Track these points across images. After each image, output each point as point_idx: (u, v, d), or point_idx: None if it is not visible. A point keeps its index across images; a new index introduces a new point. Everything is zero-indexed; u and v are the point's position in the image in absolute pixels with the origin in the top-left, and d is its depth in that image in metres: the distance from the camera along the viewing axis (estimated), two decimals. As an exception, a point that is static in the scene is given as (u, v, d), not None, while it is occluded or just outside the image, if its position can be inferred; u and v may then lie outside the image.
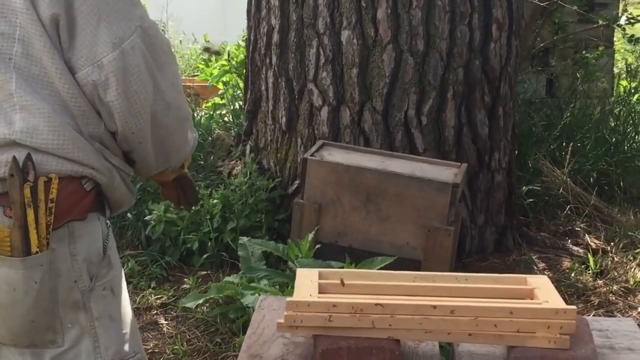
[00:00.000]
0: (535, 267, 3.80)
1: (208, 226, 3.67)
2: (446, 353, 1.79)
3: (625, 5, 6.60)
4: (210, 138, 4.62)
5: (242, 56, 5.37)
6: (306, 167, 3.26)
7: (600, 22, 5.59)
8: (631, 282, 3.64)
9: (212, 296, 3.12)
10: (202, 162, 4.29)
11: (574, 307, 1.32)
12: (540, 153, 4.72)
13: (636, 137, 5.42)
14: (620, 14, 6.07)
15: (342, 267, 2.85)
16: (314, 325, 1.31)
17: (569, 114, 5.24)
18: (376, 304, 1.30)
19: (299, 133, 3.83)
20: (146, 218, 3.75)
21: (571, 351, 1.29)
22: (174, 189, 1.86)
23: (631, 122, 5.52)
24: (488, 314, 1.30)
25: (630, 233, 4.09)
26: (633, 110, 5.72)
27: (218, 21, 8.43)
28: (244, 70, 4.49)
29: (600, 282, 3.65)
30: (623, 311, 3.40)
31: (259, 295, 2.56)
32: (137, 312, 3.24)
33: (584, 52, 6.06)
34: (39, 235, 1.43)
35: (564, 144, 4.82)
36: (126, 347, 1.60)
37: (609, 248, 4.00)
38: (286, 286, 2.94)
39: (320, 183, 3.25)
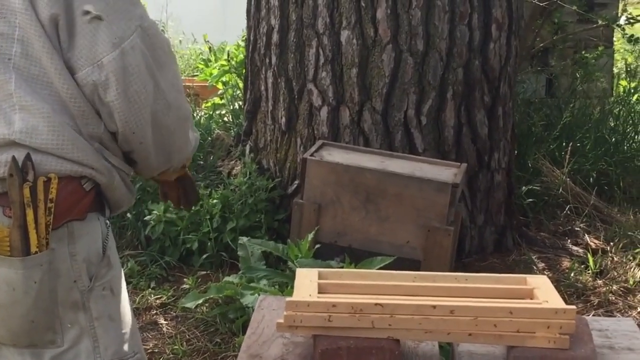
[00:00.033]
0: (534, 267, 3.80)
1: (208, 226, 3.66)
2: (446, 353, 1.79)
3: (625, 5, 6.60)
4: (209, 138, 4.62)
5: (241, 56, 5.37)
6: (306, 167, 3.26)
7: (600, 22, 5.59)
8: (631, 282, 3.64)
9: (211, 296, 3.12)
10: (201, 162, 4.29)
11: (573, 307, 1.32)
12: (539, 153, 4.72)
13: (636, 137, 5.42)
14: (619, 14, 6.08)
15: (342, 267, 2.85)
16: (314, 325, 1.30)
17: (568, 114, 5.24)
18: (376, 304, 1.30)
19: (299, 133, 3.83)
20: (146, 218, 3.75)
21: (571, 351, 1.29)
22: (175, 189, 1.86)
23: (631, 122, 5.52)
24: (488, 314, 1.30)
25: (629, 233, 4.09)
26: (633, 110, 5.73)
27: (218, 21, 8.43)
28: (244, 70, 4.49)
29: (599, 282, 3.65)
30: (623, 311, 3.40)
31: (259, 295, 2.56)
32: (136, 312, 3.24)
33: (583, 52, 6.06)
34: (39, 235, 1.43)
35: (564, 144, 4.82)
36: (126, 347, 1.60)
37: (608, 248, 4.00)
38: (286, 286, 2.94)
39: (320, 183, 3.25)
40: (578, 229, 4.27)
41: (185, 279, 3.56)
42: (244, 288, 3.02)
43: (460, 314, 1.30)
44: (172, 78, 1.56)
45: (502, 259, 3.89)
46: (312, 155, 3.31)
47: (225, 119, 5.20)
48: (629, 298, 3.52)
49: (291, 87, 3.82)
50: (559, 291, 1.83)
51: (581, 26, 5.93)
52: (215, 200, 3.74)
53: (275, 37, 3.84)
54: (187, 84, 5.83)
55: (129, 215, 3.81)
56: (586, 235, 4.18)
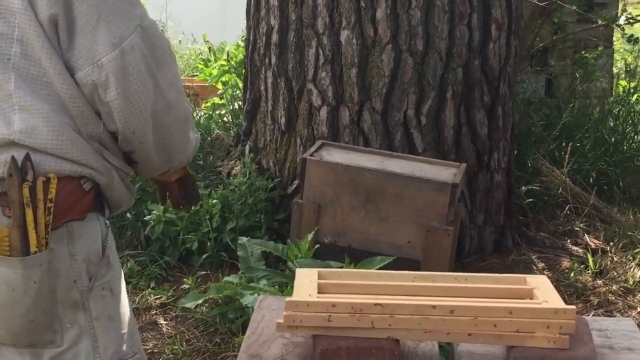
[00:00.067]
0: (534, 267, 3.80)
1: (207, 226, 3.66)
2: (445, 353, 1.79)
3: (625, 5, 6.60)
4: (209, 138, 4.62)
5: (241, 56, 5.37)
6: (305, 167, 3.26)
7: (600, 22, 5.59)
8: (630, 282, 3.64)
9: (211, 296, 3.12)
10: (201, 162, 4.28)
11: (573, 307, 1.32)
12: (539, 153, 4.72)
13: (635, 137, 5.42)
14: (619, 14, 6.07)
15: (342, 267, 2.85)
16: (313, 325, 1.30)
17: (568, 113, 5.24)
18: (375, 304, 1.30)
19: (298, 133, 3.83)
20: (145, 218, 3.75)
21: (570, 351, 1.28)
22: (176, 189, 1.85)
23: (630, 122, 5.52)
24: (487, 313, 1.30)
25: (629, 233, 4.09)
26: (632, 110, 5.73)
27: (217, 21, 8.43)
28: (243, 70, 4.49)
29: (599, 282, 3.65)
30: (622, 311, 3.40)
31: (258, 295, 2.56)
32: (136, 312, 3.24)
33: (583, 52, 6.06)
34: (38, 235, 1.43)
35: (563, 143, 4.82)
36: (125, 347, 1.60)
37: (608, 248, 4.01)
38: (285, 286, 2.94)
39: (320, 183, 3.25)
40: (578, 229, 4.27)
41: (184, 279, 3.55)
42: (244, 288, 3.02)
43: (460, 314, 1.29)
44: (172, 78, 1.56)
45: (501, 259, 3.89)
46: (311, 155, 3.31)
47: (225, 119, 5.20)
48: (628, 298, 3.52)
49: (291, 87, 3.82)
50: (559, 291, 1.83)
51: (581, 26, 5.93)
52: (214, 200, 3.74)
53: (274, 37, 3.84)
54: (186, 84, 5.82)
55: (128, 215, 3.81)
56: (586, 235, 4.18)
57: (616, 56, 7.69)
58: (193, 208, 3.38)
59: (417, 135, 3.70)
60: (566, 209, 4.38)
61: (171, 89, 1.54)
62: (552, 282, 1.43)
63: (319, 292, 1.34)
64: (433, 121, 3.71)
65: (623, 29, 5.56)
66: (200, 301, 3.14)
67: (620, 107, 5.76)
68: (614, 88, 6.56)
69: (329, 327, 1.30)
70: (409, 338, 1.35)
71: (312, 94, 3.75)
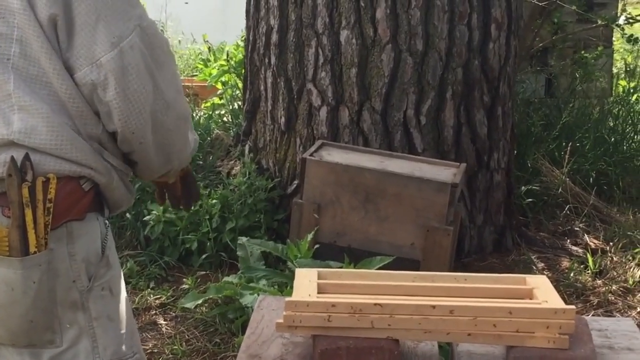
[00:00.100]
0: (534, 267, 3.80)
1: (207, 226, 3.66)
2: (445, 353, 1.79)
3: (624, 5, 6.60)
4: (209, 138, 4.62)
5: (241, 56, 5.37)
6: (305, 167, 3.26)
7: (599, 22, 5.59)
8: (630, 282, 3.64)
9: (211, 296, 3.12)
10: (201, 162, 4.28)
11: (573, 307, 1.32)
12: (539, 153, 4.72)
13: (635, 137, 5.42)
14: (619, 14, 6.07)
15: (341, 267, 2.85)
16: (313, 325, 1.30)
17: (567, 113, 5.24)
18: (375, 304, 1.30)
19: (298, 133, 3.83)
20: (145, 218, 3.75)
21: (570, 351, 1.28)
22: (177, 188, 1.85)
23: (630, 122, 5.52)
24: (487, 313, 1.30)
25: (629, 233, 4.09)
26: (632, 110, 5.73)
27: (217, 21, 8.43)
28: (243, 70, 4.49)
29: (599, 282, 3.65)
30: (622, 311, 3.40)
31: (258, 295, 2.56)
32: (136, 312, 3.23)
33: (583, 52, 6.06)
34: (37, 235, 1.43)
35: (563, 143, 4.82)
36: (125, 347, 1.60)
37: (608, 248, 4.01)
38: (285, 286, 2.94)
39: (319, 183, 3.25)
40: (577, 229, 4.27)
41: (184, 279, 3.55)
42: (243, 288, 3.02)
43: (460, 314, 1.29)
44: (171, 77, 1.55)
45: (501, 259, 3.89)
46: (311, 155, 3.31)
47: (225, 119, 5.20)
48: (628, 298, 3.52)
49: (290, 87, 3.82)
50: (559, 291, 1.83)
51: (580, 26, 5.93)
52: (214, 200, 3.74)
53: (274, 37, 3.84)
54: (186, 84, 5.82)
55: (128, 215, 3.81)
56: (585, 235, 4.18)
57: (616, 56, 7.69)
58: (193, 207, 3.38)
59: (417, 135, 3.70)
60: (566, 209, 4.38)
61: (170, 89, 1.54)
62: (551, 282, 1.43)
63: (318, 292, 1.34)
64: (433, 121, 3.71)
65: (623, 29, 5.56)
66: (199, 301, 3.14)
67: (620, 107, 5.76)
68: (613, 88, 6.56)
69: (329, 327, 1.30)
70: (408, 338, 1.35)
71: (311, 93, 3.75)
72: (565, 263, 3.87)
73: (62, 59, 1.44)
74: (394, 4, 3.59)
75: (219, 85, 5.63)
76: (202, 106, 5.68)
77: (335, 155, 3.37)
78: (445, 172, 3.32)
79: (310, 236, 3.12)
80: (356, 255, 3.11)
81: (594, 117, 5.40)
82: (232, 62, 5.54)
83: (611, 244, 4.04)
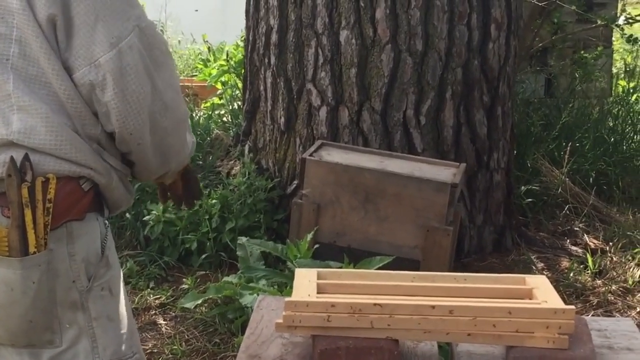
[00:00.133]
0: (534, 267, 3.80)
1: (207, 226, 3.66)
2: (445, 353, 1.79)
3: (624, 5, 6.60)
4: (208, 138, 4.62)
5: (240, 56, 5.37)
6: (305, 167, 3.26)
7: (599, 22, 5.59)
8: (630, 282, 3.64)
9: (210, 296, 3.12)
10: (200, 162, 4.28)
11: (572, 307, 1.32)
12: (539, 153, 4.72)
13: (635, 137, 5.42)
14: (618, 14, 6.08)
15: (341, 267, 2.85)
16: (313, 326, 1.30)
17: (567, 113, 5.24)
18: (375, 304, 1.30)
19: (298, 133, 3.83)
20: (145, 218, 3.74)
21: (570, 351, 1.28)
22: (179, 186, 1.84)
23: (630, 122, 5.52)
24: (487, 314, 1.30)
25: (629, 233, 4.09)
26: (632, 110, 5.73)
27: (217, 21, 8.43)
28: (243, 71, 4.49)
29: (599, 282, 3.65)
30: (622, 311, 3.40)
31: (258, 295, 2.56)
32: (135, 312, 3.23)
33: (582, 52, 6.06)
34: (37, 236, 1.43)
35: (563, 143, 4.82)
36: (124, 347, 1.60)
37: (607, 248, 4.00)
38: (285, 286, 2.94)
39: (319, 183, 3.25)
40: (577, 228, 4.27)
41: (184, 279, 3.55)
42: (243, 288, 3.02)
43: (459, 314, 1.29)
44: (170, 78, 1.55)
45: (501, 259, 3.89)
46: (311, 155, 3.31)
47: (224, 119, 5.20)
48: (628, 298, 3.52)
49: (290, 87, 3.82)
50: (558, 291, 1.83)
51: (580, 26, 5.94)
52: (214, 201, 3.74)
53: (274, 37, 3.84)
54: (186, 84, 5.82)
55: (127, 215, 3.80)
56: (585, 235, 4.18)
57: (615, 56, 7.69)
58: (196, 202, 3.37)
59: (417, 135, 3.70)
60: (565, 209, 4.38)
61: (169, 90, 1.54)
62: (551, 282, 1.43)
63: (318, 292, 1.34)
64: (432, 121, 3.71)
65: (622, 29, 5.56)
66: (199, 301, 3.14)
67: (619, 107, 5.76)
68: (613, 88, 6.56)
69: (328, 327, 1.30)
70: (408, 338, 1.35)
71: (311, 94, 3.75)
72: (565, 263, 3.87)
73: (61, 59, 1.44)
74: (393, 4, 3.59)
75: (219, 85, 5.63)
76: (202, 106, 5.68)
77: (335, 156, 3.37)
78: (445, 172, 3.32)
79: (309, 236, 3.12)
80: (356, 255, 3.11)
81: (593, 117, 5.40)
82: (232, 62, 5.54)
83: (611, 244, 4.04)
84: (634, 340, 1.45)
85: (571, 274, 3.69)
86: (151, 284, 3.55)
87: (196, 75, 6.49)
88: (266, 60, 3.92)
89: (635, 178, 4.92)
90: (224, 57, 5.75)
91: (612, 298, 3.51)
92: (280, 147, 3.92)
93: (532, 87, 5.67)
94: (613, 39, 6.83)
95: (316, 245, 3.15)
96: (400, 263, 3.06)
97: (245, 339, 1.44)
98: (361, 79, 3.66)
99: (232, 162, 4.25)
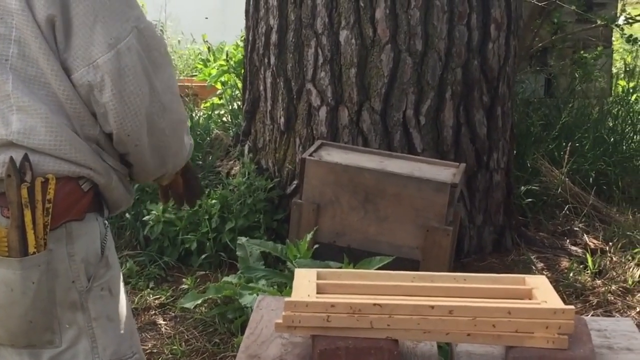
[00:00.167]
0: (533, 267, 3.80)
1: (206, 226, 3.66)
2: (445, 353, 1.79)
3: (624, 5, 6.60)
4: (208, 138, 4.62)
5: (240, 56, 5.37)
6: (304, 167, 3.26)
7: (599, 22, 5.59)
8: (629, 282, 3.64)
9: (210, 296, 3.12)
10: (200, 162, 4.28)
11: (572, 307, 1.32)
12: (538, 153, 4.72)
13: (635, 137, 5.42)
14: (618, 14, 6.08)
15: (341, 267, 2.85)
16: (312, 326, 1.30)
17: (567, 113, 5.24)
18: (374, 304, 1.30)
19: (298, 133, 3.83)
20: (144, 218, 3.74)
21: (569, 351, 1.28)
22: (179, 185, 1.84)
23: (629, 122, 5.52)
24: (486, 314, 1.30)
25: (628, 233, 4.09)
26: (631, 110, 5.73)
27: (217, 21, 8.43)
28: (242, 71, 4.49)
29: (598, 282, 3.65)
30: (621, 311, 3.40)
31: (257, 295, 2.56)
32: (135, 312, 3.23)
33: (582, 52, 6.06)
34: (37, 236, 1.43)
35: (563, 143, 4.82)
36: (124, 348, 1.60)
37: (607, 248, 4.00)
38: (284, 286, 2.94)
39: (319, 183, 3.25)
40: (577, 229, 4.27)
41: (184, 279, 3.55)
42: (243, 288, 3.02)
43: (459, 314, 1.29)
44: (168, 80, 1.55)
45: (500, 259, 3.89)
46: (310, 155, 3.31)
47: (224, 119, 5.20)
48: (627, 298, 3.52)
49: (290, 87, 3.82)
50: (558, 291, 1.83)
51: (580, 26, 5.94)
52: (214, 201, 3.74)
53: (274, 37, 3.84)
54: (186, 84, 5.83)
55: (127, 215, 3.80)
56: (585, 235, 4.18)
57: (615, 56, 7.69)
58: (198, 202, 3.37)
59: (416, 135, 3.70)
60: (565, 209, 4.38)
61: (167, 91, 1.54)
62: (551, 282, 1.43)
63: (317, 293, 1.34)
64: (432, 121, 3.71)
65: (622, 29, 5.56)
66: (199, 301, 3.14)
67: (619, 107, 5.76)
68: (613, 88, 6.56)
69: (328, 327, 1.30)
70: (407, 338, 1.35)
71: (311, 94, 3.75)
72: (565, 263, 3.87)
73: (59, 59, 1.44)
74: (393, 4, 3.59)
75: (219, 85, 5.63)
76: (202, 106, 5.68)
77: (334, 156, 3.37)
78: (445, 172, 3.32)
79: (309, 236, 3.12)
80: (355, 255, 3.11)
81: (593, 117, 5.40)
82: (232, 62, 5.54)
83: (610, 244, 4.04)
84: (634, 341, 1.45)
85: (571, 274, 3.69)
86: (151, 284, 3.55)
87: (196, 75, 6.49)
88: (266, 60, 3.92)
89: (635, 178, 4.92)
90: (224, 57, 5.75)
91: (612, 298, 3.51)
92: (280, 147, 3.92)
93: (532, 87, 5.67)
94: (613, 39, 6.83)
95: (316, 246, 3.15)
96: (400, 263, 3.06)
97: (245, 339, 1.44)
98: (361, 79, 3.66)
99: (232, 162, 4.25)
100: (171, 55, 1.69)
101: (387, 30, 3.61)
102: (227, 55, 5.73)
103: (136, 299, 3.38)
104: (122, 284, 1.65)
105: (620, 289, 3.58)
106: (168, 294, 3.45)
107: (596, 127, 5.15)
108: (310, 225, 3.23)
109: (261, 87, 4.01)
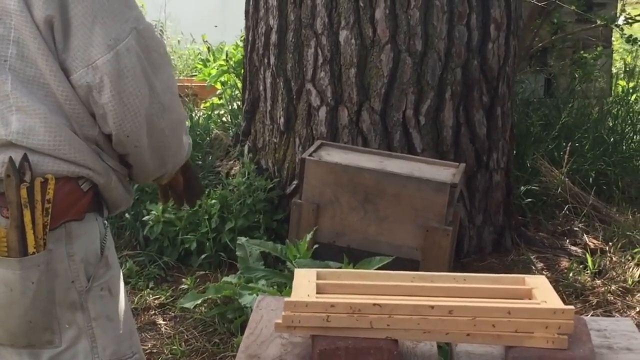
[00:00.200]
0: (533, 267, 3.80)
1: (206, 226, 3.66)
2: (444, 353, 1.79)
3: (624, 5, 6.60)
4: (208, 138, 4.62)
5: (240, 56, 5.37)
6: (304, 167, 3.26)
7: (599, 22, 5.59)
8: (629, 282, 3.64)
9: (210, 296, 3.12)
10: (200, 162, 4.28)
11: (572, 307, 1.32)
12: (538, 153, 4.72)
13: (634, 137, 5.42)
14: (618, 14, 6.08)
15: (340, 267, 2.85)
16: (312, 326, 1.30)
17: (567, 113, 5.24)
18: (374, 304, 1.30)
19: (297, 133, 3.83)
20: (144, 218, 3.74)
21: (569, 351, 1.28)
22: (179, 184, 1.84)
23: (629, 122, 5.52)
24: (486, 314, 1.30)
25: (628, 233, 4.09)
26: (631, 110, 5.73)
27: (216, 21, 8.42)
28: (242, 71, 4.49)
29: (598, 282, 3.65)
30: (621, 311, 3.40)
31: (257, 295, 2.56)
32: (135, 312, 3.23)
33: (582, 52, 6.06)
34: (36, 236, 1.43)
35: (563, 143, 4.82)
36: (124, 348, 1.60)
37: (607, 248, 4.01)
38: (284, 286, 2.94)
39: (319, 183, 3.25)
40: (577, 229, 4.27)
41: (183, 279, 3.55)
42: (243, 288, 3.02)
43: (459, 314, 1.29)
44: (167, 80, 1.55)
45: (500, 259, 3.89)
46: (310, 155, 3.31)
47: (224, 119, 5.20)
48: (627, 298, 3.52)
49: (290, 87, 3.81)
50: (558, 291, 1.83)
51: (580, 26, 5.94)
52: (213, 201, 3.74)
53: (273, 37, 3.84)
54: (185, 84, 5.82)
55: (127, 215, 3.80)
56: (585, 235, 4.18)
57: (615, 56, 7.69)
58: (198, 201, 3.36)
59: (416, 136, 3.70)
60: (565, 209, 4.38)
61: (166, 92, 1.54)
62: (550, 282, 1.43)
63: (317, 293, 1.34)
64: (432, 121, 3.71)
65: (622, 29, 5.56)
66: (199, 301, 3.14)
67: (619, 107, 5.75)
68: (613, 88, 6.56)
69: (328, 327, 1.30)
70: (407, 338, 1.35)
71: (311, 94, 3.75)
72: (565, 263, 3.87)
73: (58, 60, 1.44)
74: (393, 4, 3.59)
75: (218, 85, 5.63)
76: (201, 106, 5.68)
77: (334, 156, 3.37)
78: (445, 172, 3.32)
79: (309, 236, 3.12)
80: (355, 255, 3.11)
81: (593, 117, 5.40)
82: (231, 62, 5.54)
83: (610, 244, 4.04)
84: (634, 340, 1.45)
85: (571, 274, 3.69)
86: (151, 284, 3.55)
87: (195, 75, 6.48)
88: (266, 61, 3.92)
89: (634, 178, 4.92)
90: (224, 57, 5.75)
91: (612, 298, 3.51)
92: (279, 147, 3.92)
93: (531, 87, 5.67)
94: (613, 39, 6.83)
95: (315, 246, 3.15)
96: (400, 263, 3.06)
97: (245, 339, 1.44)
98: (361, 79, 3.66)
99: (232, 162, 4.25)
100: (171, 56, 1.69)
101: (387, 30, 3.61)
102: (226, 55, 5.73)
103: (136, 299, 3.38)
104: (122, 284, 1.65)
105: (620, 289, 3.58)
106: (168, 294, 3.45)
107: (596, 127, 5.16)
108: (310, 225, 3.23)
109: (261, 87, 4.01)
